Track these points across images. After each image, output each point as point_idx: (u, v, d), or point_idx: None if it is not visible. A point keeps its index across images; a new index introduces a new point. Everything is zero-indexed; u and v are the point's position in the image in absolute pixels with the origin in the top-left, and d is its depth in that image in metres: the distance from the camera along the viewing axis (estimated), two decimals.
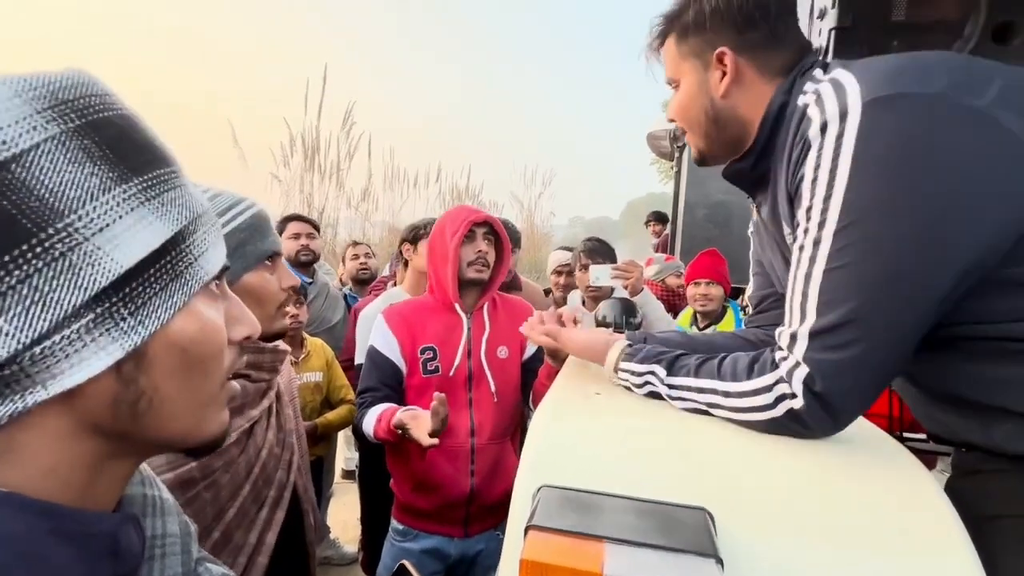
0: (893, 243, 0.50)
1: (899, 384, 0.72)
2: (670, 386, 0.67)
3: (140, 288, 0.30)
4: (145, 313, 0.30)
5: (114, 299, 0.29)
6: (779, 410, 0.56)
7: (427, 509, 1.29)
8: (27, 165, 0.27)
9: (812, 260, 0.55)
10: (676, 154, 4.04)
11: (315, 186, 9.92)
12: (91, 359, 0.28)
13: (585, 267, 1.90)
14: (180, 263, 0.32)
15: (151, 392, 0.32)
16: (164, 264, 0.31)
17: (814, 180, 0.54)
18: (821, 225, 0.53)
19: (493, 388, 1.31)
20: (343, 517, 2.60)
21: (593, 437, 0.64)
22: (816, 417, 0.54)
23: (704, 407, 0.64)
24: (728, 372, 0.61)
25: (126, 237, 0.30)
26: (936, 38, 1.05)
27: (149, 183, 0.32)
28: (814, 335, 0.54)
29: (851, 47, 0.99)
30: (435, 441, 1.06)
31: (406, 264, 1.93)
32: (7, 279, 0.26)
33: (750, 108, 0.70)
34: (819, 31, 1.01)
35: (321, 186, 10.03)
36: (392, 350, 1.30)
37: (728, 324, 2.19)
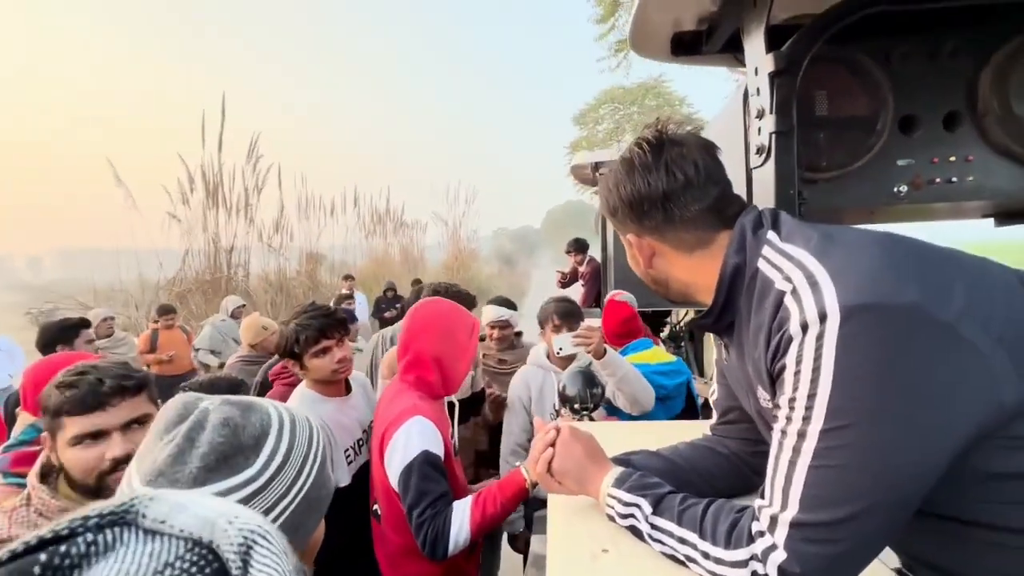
0: (881, 451, 0.53)
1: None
2: (652, 526, 0.70)
3: None
4: None
5: None
6: None
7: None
8: None
9: (797, 451, 0.57)
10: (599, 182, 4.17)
11: (221, 223, 9.14)
12: None
13: (557, 328, 1.93)
14: None
15: None
16: None
17: (796, 373, 0.56)
18: (806, 420, 0.56)
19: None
20: None
21: None
22: None
23: (682, 558, 0.67)
24: (709, 530, 0.64)
25: None
26: (854, 132, 1.14)
27: None
28: (797, 525, 0.56)
29: (788, 142, 1.04)
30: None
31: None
32: None
33: (683, 273, 0.75)
34: (758, 130, 1.06)
35: (228, 223, 9.26)
36: (440, 449, 1.30)
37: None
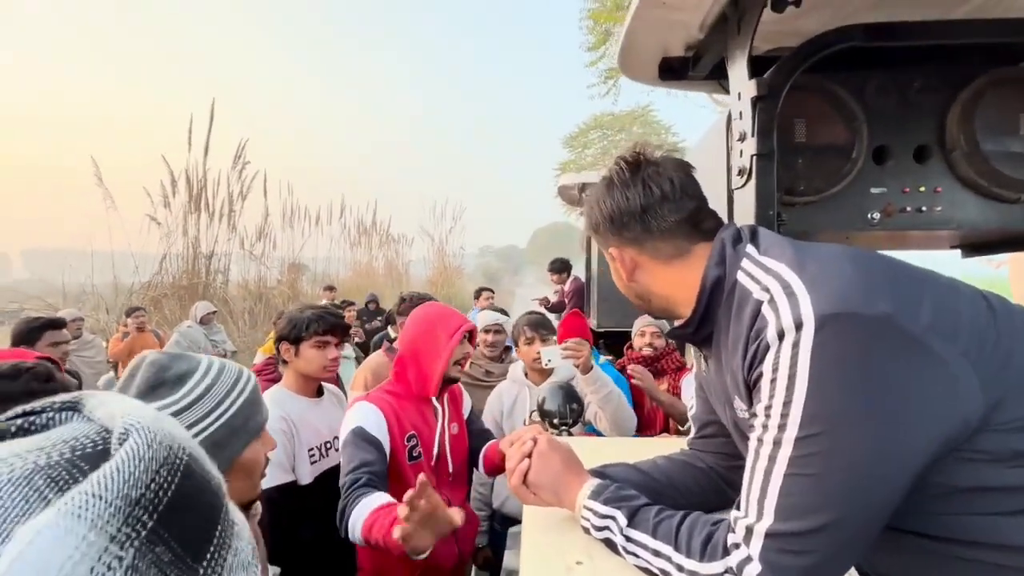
0: (855, 458, 0.53)
1: None
2: (627, 538, 0.70)
3: None
4: None
5: None
6: None
7: None
8: None
9: (772, 459, 0.57)
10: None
11: (202, 228, 8.97)
12: None
13: (529, 341, 1.92)
14: None
15: None
16: None
17: (773, 380, 0.57)
18: (781, 428, 0.56)
19: (451, 469, 1.46)
20: None
21: None
22: None
23: (657, 571, 0.66)
24: (684, 543, 0.64)
25: None
26: (831, 158, 1.19)
27: (211, 562, 0.29)
28: (772, 535, 0.56)
29: (768, 164, 1.08)
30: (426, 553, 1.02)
31: (282, 361, 1.66)
32: None
33: (663, 286, 0.77)
34: (740, 152, 1.09)
35: (210, 228, 9.09)
36: (382, 433, 1.32)
37: None
